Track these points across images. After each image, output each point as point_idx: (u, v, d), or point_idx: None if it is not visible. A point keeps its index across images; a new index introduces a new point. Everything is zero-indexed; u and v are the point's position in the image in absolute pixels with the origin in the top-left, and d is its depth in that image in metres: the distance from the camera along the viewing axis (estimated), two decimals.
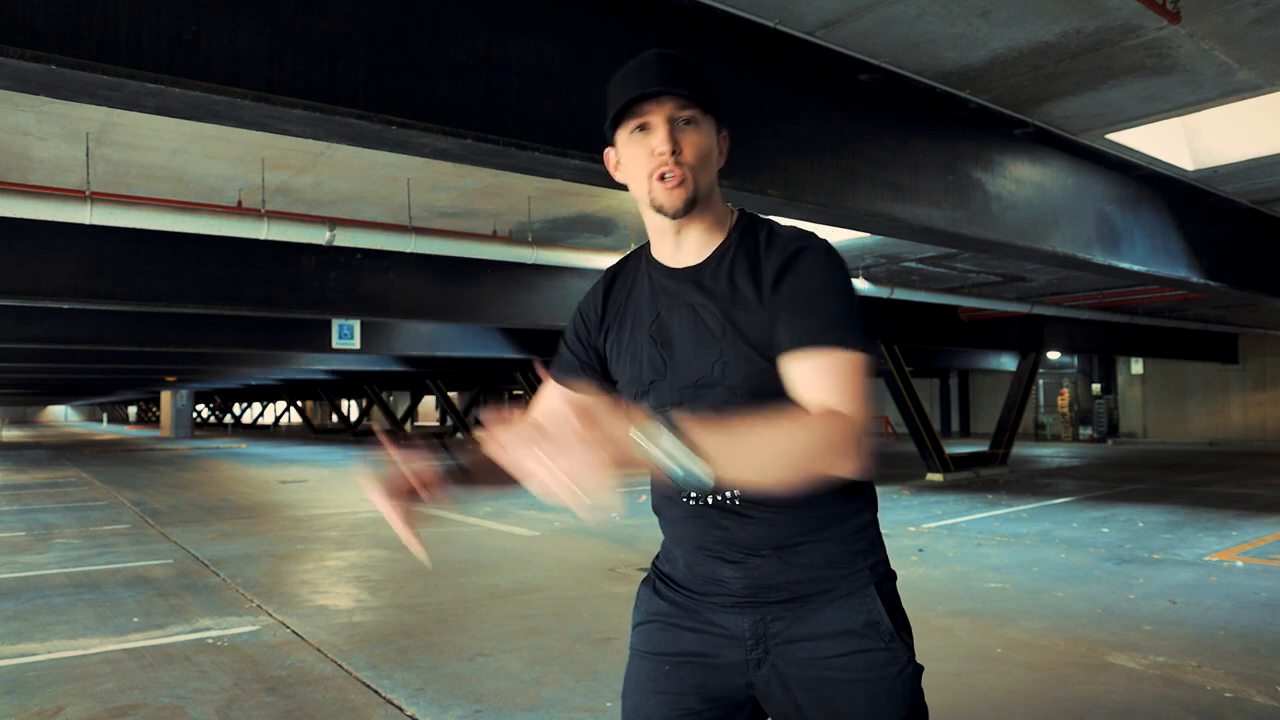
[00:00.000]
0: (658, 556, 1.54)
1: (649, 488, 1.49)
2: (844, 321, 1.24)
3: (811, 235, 1.34)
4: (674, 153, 1.30)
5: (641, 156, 1.33)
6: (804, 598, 1.35)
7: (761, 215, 1.44)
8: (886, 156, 4.79)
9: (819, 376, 1.21)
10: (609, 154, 1.41)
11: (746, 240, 1.38)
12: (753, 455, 1.10)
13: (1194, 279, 7.18)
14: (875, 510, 1.44)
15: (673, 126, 1.31)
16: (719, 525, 1.37)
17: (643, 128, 1.32)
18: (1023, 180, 5.59)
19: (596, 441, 1.02)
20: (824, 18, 3.95)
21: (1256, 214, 7.86)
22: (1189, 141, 6.24)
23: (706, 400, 1.34)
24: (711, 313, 1.36)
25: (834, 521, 1.37)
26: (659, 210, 1.34)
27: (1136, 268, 6.52)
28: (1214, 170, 6.44)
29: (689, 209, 1.33)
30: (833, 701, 1.33)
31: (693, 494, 1.37)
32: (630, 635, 1.52)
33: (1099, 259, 6.14)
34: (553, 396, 1.54)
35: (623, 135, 1.35)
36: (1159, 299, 13.08)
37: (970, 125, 5.25)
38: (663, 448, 1.06)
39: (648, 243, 1.48)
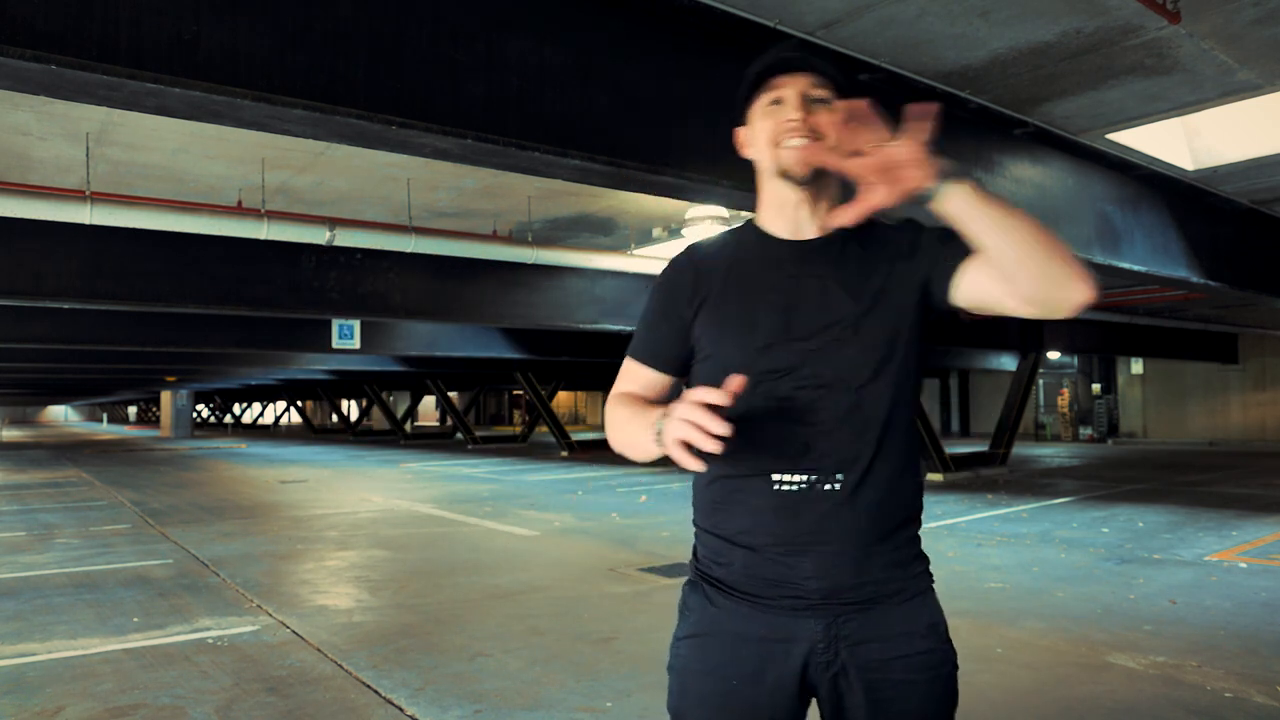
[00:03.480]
0: (699, 559, 1.47)
1: (691, 482, 1.46)
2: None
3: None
4: (804, 120, 1.34)
5: (770, 127, 1.37)
6: (876, 599, 1.36)
7: None
8: None
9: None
10: (739, 134, 1.45)
11: (874, 225, 1.42)
12: (1030, 223, 1.22)
13: (1194, 279, 7.18)
14: None
15: (805, 100, 1.35)
16: (808, 517, 1.34)
17: (777, 101, 1.36)
18: (1023, 180, 5.59)
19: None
20: (824, 18, 3.95)
21: (1256, 214, 7.86)
22: (1189, 141, 6.24)
23: (831, 365, 1.34)
24: (843, 286, 1.37)
25: (909, 521, 1.41)
26: (785, 174, 1.37)
27: (1136, 268, 6.52)
28: (1214, 170, 6.44)
29: (815, 175, 1.36)
30: (892, 702, 1.35)
31: (790, 480, 1.34)
32: (675, 645, 1.46)
33: (1099, 259, 6.14)
34: (638, 379, 1.48)
35: (756, 110, 1.40)
36: (1159, 299, 13.08)
37: (970, 125, 5.25)
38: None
39: (746, 222, 1.48)
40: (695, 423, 1.15)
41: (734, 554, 1.39)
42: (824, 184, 1.39)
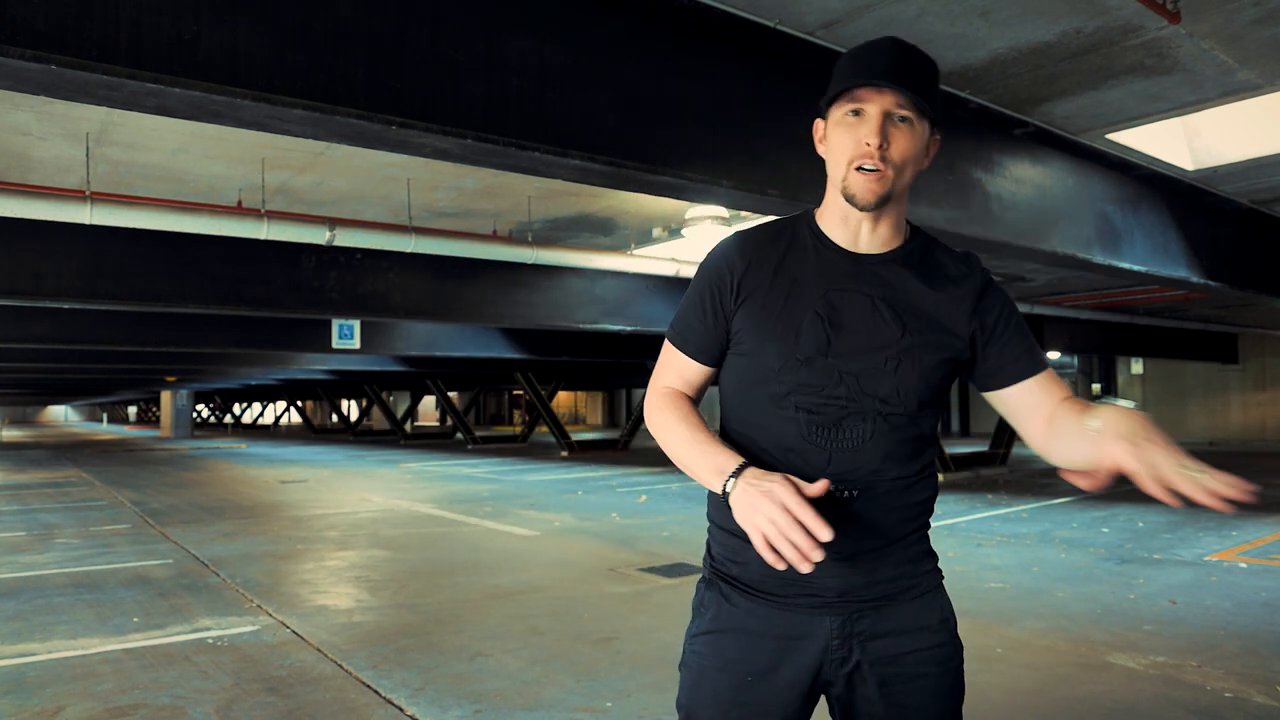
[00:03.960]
0: (714, 557, 1.48)
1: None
2: (1039, 348, 1.45)
3: (975, 254, 1.47)
4: (881, 146, 1.31)
5: (848, 141, 1.33)
6: (889, 596, 1.39)
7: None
8: None
9: (1058, 384, 1.41)
10: (818, 125, 1.42)
11: (932, 250, 1.42)
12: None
13: (1194, 279, 7.18)
14: None
15: (886, 121, 1.31)
16: (824, 519, 1.34)
17: (856, 112, 1.33)
18: (1023, 180, 5.58)
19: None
20: (824, 18, 3.95)
21: (1256, 214, 7.86)
22: (1189, 141, 6.24)
23: (868, 389, 1.34)
24: (891, 307, 1.36)
25: (920, 522, 1.43)
26: (850, 200, 1.35)
27: (1136, 268, 6.51)
28: (1214, 170, 6.44)
29: (880, 205, 1.34)
30: (904, 695, 1.38)
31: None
32: (689, 640, 1.47)
33: (1099, 259, 6.14)
34: (679, 371, 1.48)
35: (836, 114, 1.36)
36: (1159, 299, 13.07)
37: (970, 125, 5.25)
38: None
39: (806, 213, 1.46)
40: (799, 522, 1.17)
41: (750, 552, 1.38)
42: (891, 204, 1.37)
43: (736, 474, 1.27)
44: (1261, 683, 3.84)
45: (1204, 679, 3.90)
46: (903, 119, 1.31)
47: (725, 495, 1.27)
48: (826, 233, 1.42)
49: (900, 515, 1.39)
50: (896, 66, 1.30)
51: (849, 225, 1.40)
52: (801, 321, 1.36)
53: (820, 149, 1.42)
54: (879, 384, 1.34)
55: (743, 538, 1.38)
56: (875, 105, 1.31)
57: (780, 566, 1.20)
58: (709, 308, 1.43)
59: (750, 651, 1.39)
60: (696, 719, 1.42)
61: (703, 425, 1.41)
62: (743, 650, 1.39)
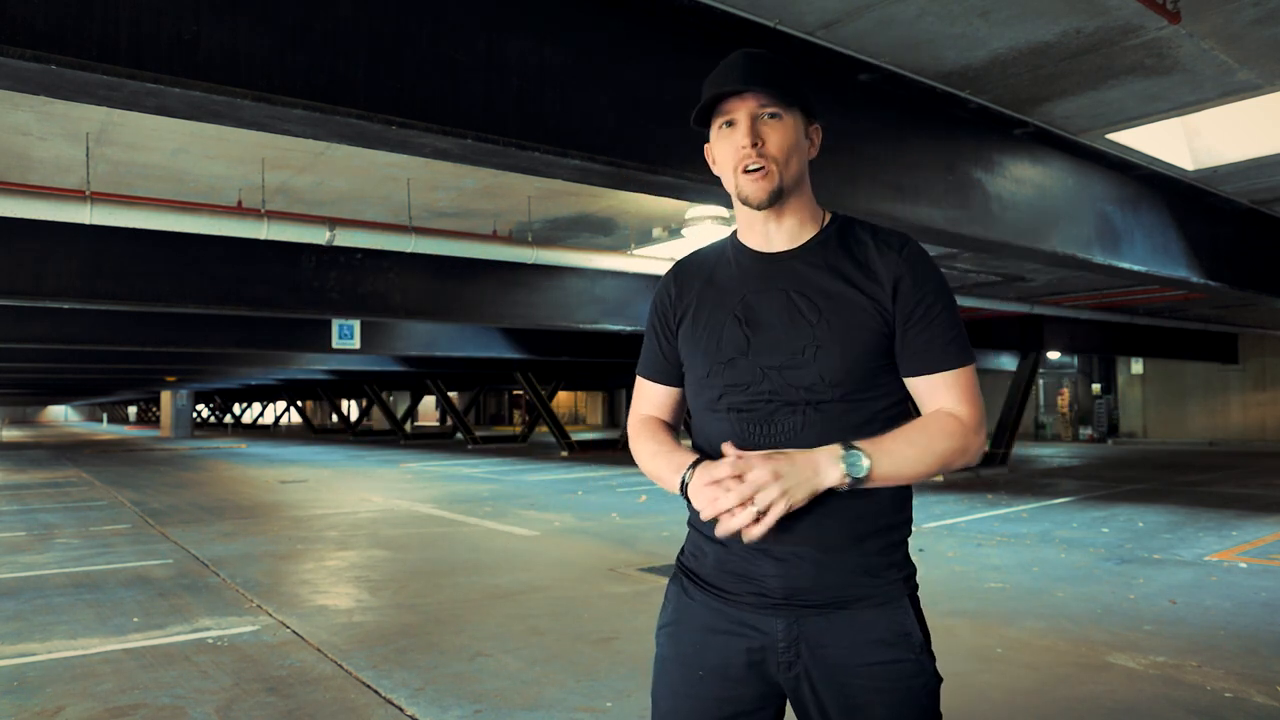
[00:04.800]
0: (683, 551, 1.53)
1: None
2: (960, 338, 1.39)
3: (910, 237, 1.44)
4: (754, 145, 1.36)
5: (729, 151, 1.40)
6: (839, 603, 1.36)
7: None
8: (886, 156, 4.78)
9: (949, 391, 1.38)
10: (707, 149, 1.49)
11: (847, 233, 1.44)
12: (912, 455, 1.33)
13: (1194, 279, 7.18)
14: (911, 525, 1.46)
15: (755, 121, 1.37)
16: None
17: (730, 123, 1.39)
18: (1023, 180, 5.59)
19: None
20: (824, 18, 3.95)
21: (1256, 214, 7.86)
22: (1189, 141, 6.24)
23: (791, 380, 1.36)
24: (806, 297, 1.39)
25: (882, 529, 1.39)
26: (745, 202, 1.41)
27: (1136, 268, 6.51)
28: (1214, 170, 6.44)
29: (774, 200, 1.39)
30: (859, 710, 1.35)
31: None
32: (657, 634, 1.51)
33: (1099, 259, 6.14)
34: (650, 398, 1.59)
35: (713, 132, 1.43)
36: (1159, 299, 13.07)
37: (970, 125, 5.25)
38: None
39: (734, 231, 1.53)
40: (712, 496, 1.30)
41: (708, 549, 1.44)
42: (788, 197, 1.41)
43: (691, 467, 1.38)
44: (1261, 683, 3.84)
45: (1204, 679, 3.90)
46: (771, 115, 1.37)
47: (684, 488, 1.38)
48: (744, 242, 1.48)
49: (849, 520, 1.35)
50: (748, 71, 1.37)
51: (756, 229, 1.45)
52: (722, 328, 1.43)
53: (715, 169, 1.48)
54: (802, 374, 1.36)
55: (704, 533, 1.44)
56: (741, 111, 1.38)
57: (727, 533, 1.30)
58: (658, 333, 1.54)
59: (702, 646, 1.42)
60: (658, 709, 1.48)
61: (669, 439, 1.52)
62: (695, 645, 1.43)
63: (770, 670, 1.38)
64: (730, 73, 1.38)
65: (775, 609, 1.37)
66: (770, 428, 1.37)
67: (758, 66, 1.37)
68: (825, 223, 1.46)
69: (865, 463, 1.28)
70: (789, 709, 1.45)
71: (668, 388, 1.56)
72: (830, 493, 1.31)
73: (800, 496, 1.28)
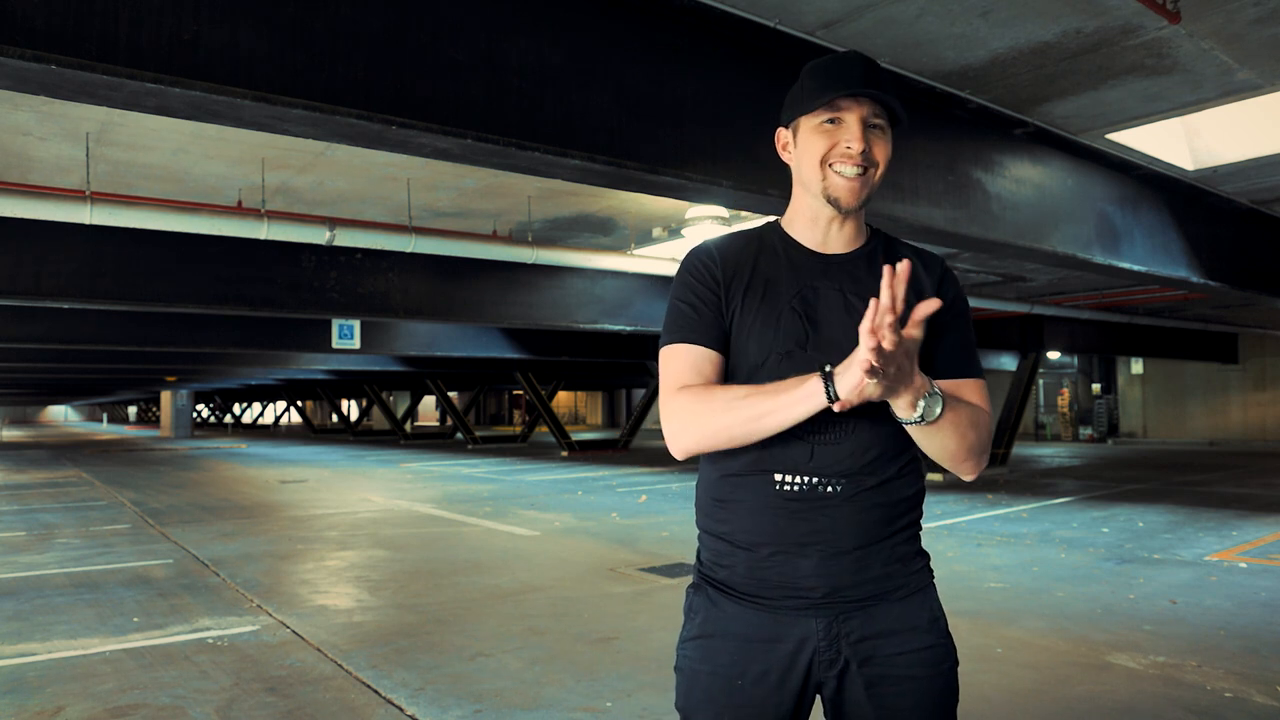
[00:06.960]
0: (702, 562, 1.49)
1: (695, 482, 1.50)
2: (977, 354, 1.49)
3: (943, 260, 1.52)
4: (863, 151, 1.38)
5: (822, 146, 1.40)
6: (877, 596, 1.39)
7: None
8: None
9: (973, 395, 1.43)
10: (780, 133, 1.49)
11: (892, 247, 1.48)
12: (962, 422, 1.35)
13: (1194, 279, 7.18)
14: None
15: (865, 128, 1.38)
16: (808, 518, 1.37)
17: (833, 121, 1.39)
18: (1023, 180, 5.59)
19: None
20: (824, 18, 3.95)
21: (1256, 214, 7.86)
22: (1189, 141, 6.24)
23: None
24: (864, 302, 1.35)
25: (908, 519, 1.44)
26: (832, 201, 1.41)
27: (1136, 268, 6.51)
28: (1214, 170, 6.44)
29: (861, 207, 1.42)
30: (894, 696, 1.37)
31: (791, 480, 1.37)
32: (681, 645, 1.48)
33: (1099, 259, 6.14)
34: (695, 365, 1.42)
35: (809, 122, 1.42)
36: (1159, 299, 13.07)
37: (970, 125, 5.25)
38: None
39: (772, 223, 1.52)
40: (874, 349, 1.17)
41: (736, 556, 1.42)
42: (862, 206, 1.44)
43: (826, 377, 1.26)
44: (1261, 683, 3.85)
45: (1204, 679, 3.90)
46: (878, 125, 1.40)
47: (835, 398, 1.26)
48: (795, 237, 1.48)
49: (885, 512, 1.40)
50: (870, 75, 1.38)
51: (818, 228, 1.46)
52: (779, 317, 1.41)
53: (785, 156, 1.48)
54: None
55: (727, 540, 1.43)
56: (854, 113, 1.38)
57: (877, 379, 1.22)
58: (703, 298, 1.43)
59: (739, 656, 1.40)
60: (692, 717, 1.45)
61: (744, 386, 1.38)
62: (732, 655, 1.40)
63: (812, 671, 1.39)
64: (851, 71, 1.38)
65: (815, 609, 1.38)
66: (818, 427, 1.36)
67: (879, 75, 1.39)
68: (869, 235, 1.51)
69: (939, 407, 1.30)
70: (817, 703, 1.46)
71: (714, 352, 1.41)
72: (870, 483, 1.37)
73: (892, 377, 1.22)
